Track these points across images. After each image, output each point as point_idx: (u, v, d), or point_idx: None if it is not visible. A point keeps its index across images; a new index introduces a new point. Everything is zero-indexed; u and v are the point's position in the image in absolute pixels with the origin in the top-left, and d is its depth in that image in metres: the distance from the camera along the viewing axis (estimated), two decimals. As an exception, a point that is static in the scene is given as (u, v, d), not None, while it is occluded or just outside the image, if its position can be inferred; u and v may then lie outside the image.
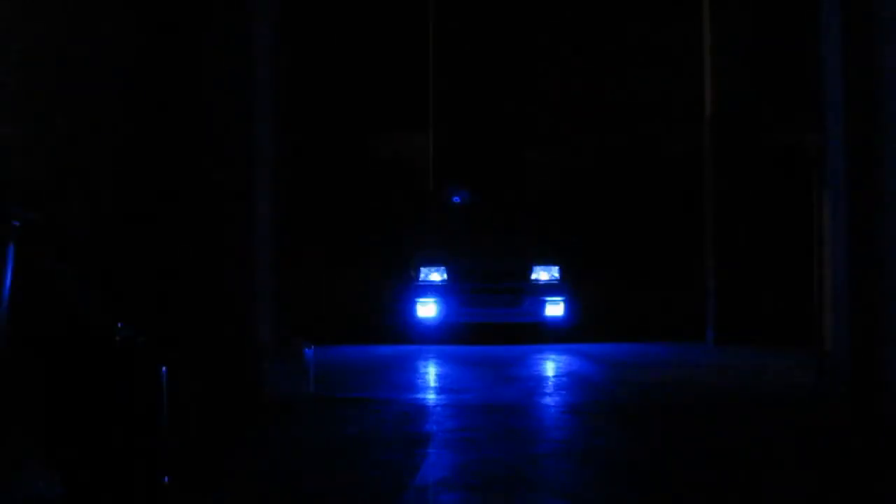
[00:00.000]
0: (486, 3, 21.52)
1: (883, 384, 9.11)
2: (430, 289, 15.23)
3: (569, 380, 11.87)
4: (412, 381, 11.80)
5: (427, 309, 15.18)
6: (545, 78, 21.53)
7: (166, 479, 5.33)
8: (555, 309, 15.12)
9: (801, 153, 13.01)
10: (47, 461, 4.93)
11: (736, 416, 9.60)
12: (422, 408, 10.00)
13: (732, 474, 7.43)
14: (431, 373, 12.58)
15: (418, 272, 15.36)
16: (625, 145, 21.46)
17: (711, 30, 14.67)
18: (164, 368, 5.26)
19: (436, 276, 15.31)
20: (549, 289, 15.20)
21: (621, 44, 21.13)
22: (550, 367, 12.86)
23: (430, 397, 10.79)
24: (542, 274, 15.32)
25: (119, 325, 5.11)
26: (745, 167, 14.40)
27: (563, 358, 13.52)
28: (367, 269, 18.58)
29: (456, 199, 16.63)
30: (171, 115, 9.72)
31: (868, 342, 9.30)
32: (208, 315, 9.61)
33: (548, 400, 10.71)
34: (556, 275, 15.31)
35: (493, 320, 15.35)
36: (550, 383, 11.72)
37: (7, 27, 7.89)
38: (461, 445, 8.47)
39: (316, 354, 10.40)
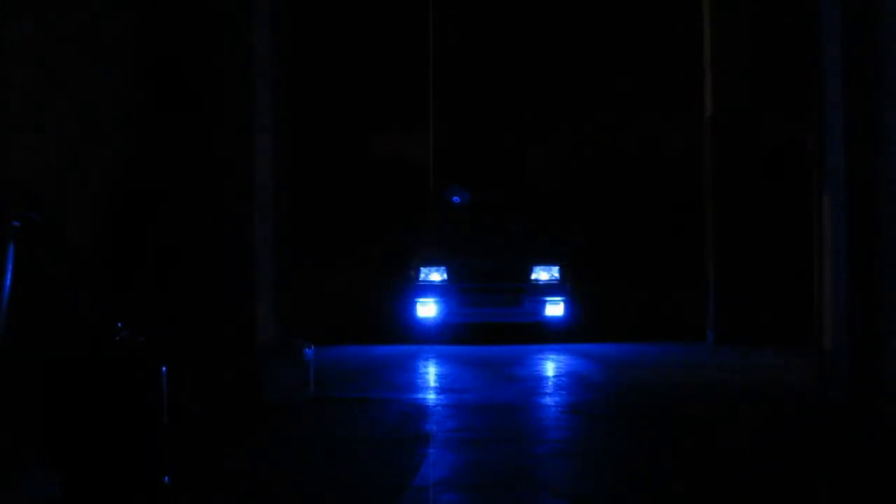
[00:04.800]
0: (485, 3, 21.53)
1: (883, 384, 9.11)
2: (430, 289, 15.22)
3: (569, 380, 11.87)
4: (412, 382, 11.80)
5: (427, 309, 15.17)
6: (545, 78, 21.54)
7: (166, 479, 5.33)
8: (555, 309, 15.11)
9: (801, 153, 13.00)
10: (47, 461, 4.93)
11: (736, 416, 9.59)
12: (422, 408, 10.00)
13: (733, 474, 7.43)
14: (431, 373, 12.58)
15: (418, 272, 15.35)
16: (625, 145, 21.47)
17: (711, 30, 14.66)
18: (164, 368, 5.26)
19: (436, 276, 15.30)
20: (549, 289, 15.19)
21: (621, 44, 21.13)
22: (550, 367, 12.86)
23: (431, 397, 10.79)
24: (542, 274, 15.31)
25: (119, 325, 5.11)
26: (745, 167, 14.38)
27: (563, 358, 13.51)
28: (367, 269, 18.57)
29: (456, 199, 16.62)
30: (172, 115, 9.73)
31: (868, 342, 9.30)
32: (208, 315, 9.61)
33: (548, 400, 10.71)
34: (556, 275, 15.29)
35: (493, 320, 15.33)
36: (550, 383, 11.72)
37: (6, 24, 7.89)
38: (461, 445, 8.47)
39: (316, 354, 10.40)
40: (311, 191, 18.03)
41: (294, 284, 11.18)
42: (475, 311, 15.20)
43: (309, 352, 10.20)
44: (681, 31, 17.93)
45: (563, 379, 11.95)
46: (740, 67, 14.44)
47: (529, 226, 16.40)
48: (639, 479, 7.35)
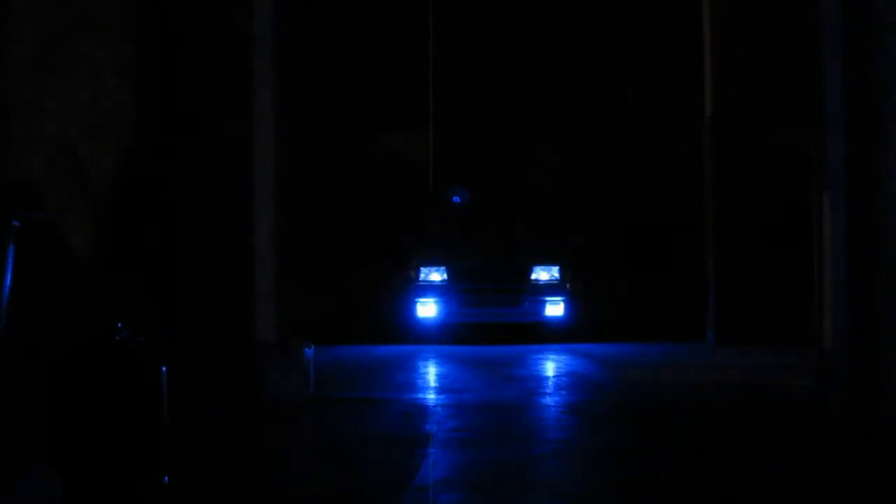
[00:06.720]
0: (486, 3, 21.53)
1: (883, 384, 9.10)
2: (430, 289, 15.23)
3: (569, 380, 11.87)
4: (412, 382, 11.80)
5: (427, 309, 15.17)
6: (545, 78, 21.53)
7: (166, 479, 5.34)
8: (555, 309, 15.11)
9: (801, 153, 13.00)
10: (47, 461, 4.93)
11: (736, 417, 9.59)
12: (422, 408, 10.00)
13: (732, 474, 7.43)
14: (431, 373, 12.58)
15: (418, 272, 15.35)
16: (625, 145, 21.46)
17: (711, 30, 14.66)
18: (164, 368, 5.27)
19: (436, 276, 15.31)
20: (549, 289, 15.19)
21: (621, 44, 21.13)
22: (550, 367, 12.86)
23: (431, 397, 10.79)
24: (542, 274, 15.32)
25: (119, 325, 5.11)
26: (745, 167, 14.38)
27: (563, 358, 13.51)
28: (367, 269, 18.57)
29: (456, 199, 16.62)
30: (172, 114, 9.72)
31: (868, 342, 9.29)
32: (208, 315, 9.61)
33: (548, 400, 10.71)
34: (556, 275, 15.30)
35: (493, 320, 15.34)
36: (550, 383, 11.72)
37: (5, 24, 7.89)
38: (461, 445, 8.47)
39: (316, 354, 10.40)
40: (310, 190, 18.04)
41: (294, 284, 11.18)
42: (475, 311, 15.20)
43: (309, 352, 10.20)
44: (681, 32, 17.93)
45: (563, 379, 11.95)
46: (740, 67, 14.44)
47: (529, 226, 16.41)
48: (639, 479, 7.35)
